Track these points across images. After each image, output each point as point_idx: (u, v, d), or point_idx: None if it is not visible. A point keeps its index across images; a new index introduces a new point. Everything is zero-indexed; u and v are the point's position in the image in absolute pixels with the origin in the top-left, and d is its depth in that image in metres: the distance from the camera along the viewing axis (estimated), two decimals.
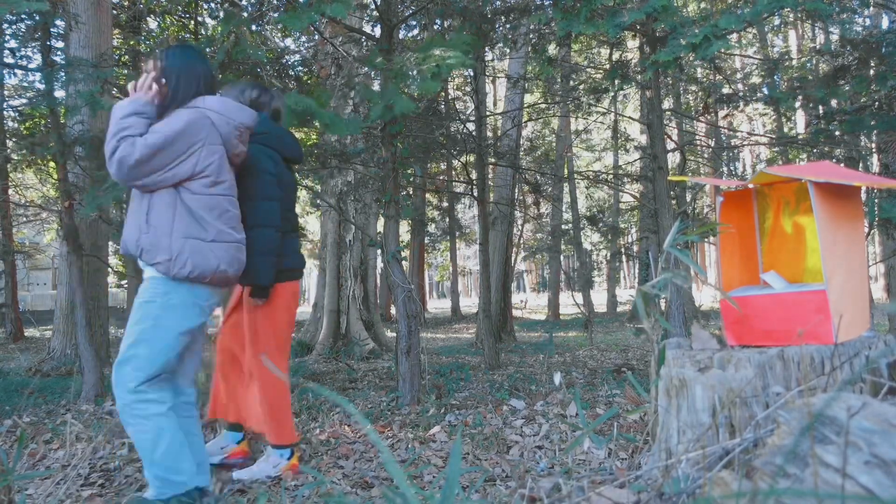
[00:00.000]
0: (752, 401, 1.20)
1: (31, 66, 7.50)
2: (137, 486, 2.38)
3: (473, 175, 6.91)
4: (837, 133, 5.46)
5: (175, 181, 2.00)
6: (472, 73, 7.37)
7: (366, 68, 5.57)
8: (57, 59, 4.99)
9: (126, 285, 8.11)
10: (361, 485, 2.34)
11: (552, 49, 7.63)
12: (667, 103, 9.63)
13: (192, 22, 9.58)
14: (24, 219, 13.35)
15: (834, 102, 5.55)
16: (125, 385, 1.94)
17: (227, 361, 2.74)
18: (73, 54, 5.66)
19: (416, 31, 7.25)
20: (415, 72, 3.30)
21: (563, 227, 12.42)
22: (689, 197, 8.44)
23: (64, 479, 2.33)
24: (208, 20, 9.62)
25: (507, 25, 5.93)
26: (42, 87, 5.00)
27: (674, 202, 6.91)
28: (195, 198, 2.02)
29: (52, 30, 4.67)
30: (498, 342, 7.64)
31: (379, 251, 5.46)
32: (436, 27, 6.61)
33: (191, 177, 2.01)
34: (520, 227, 11.70)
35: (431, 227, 12.34)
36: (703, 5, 9.54)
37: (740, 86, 8.74)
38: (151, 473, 1.93)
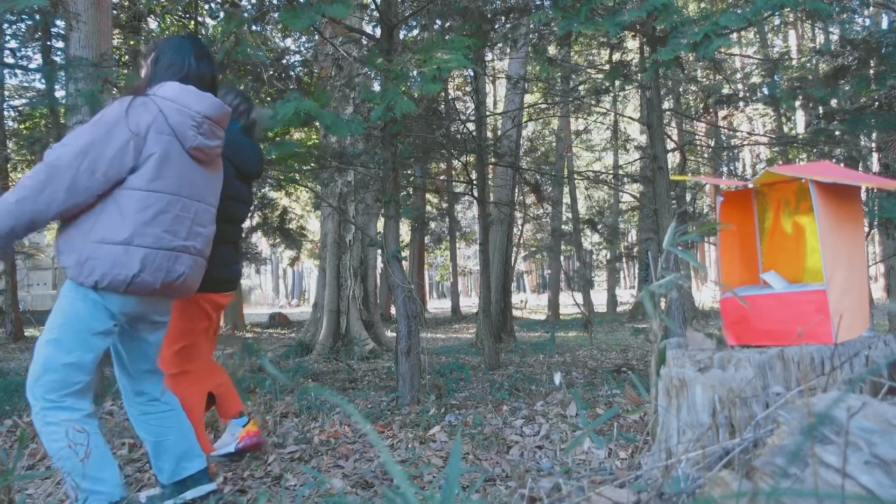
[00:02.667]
0: (752, 401, 1.20)
1: (32, 65, 7.51)
2: (138, 486, 2.38)
3: (473, 175, 6.91)
4: (837, 133, 5.46)
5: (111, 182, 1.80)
6: (472, 74, 7.37)
7: (366, 69, 5.58)
8: (57, 58, 4.99)
9: None
10: (361, 485, 2.34)
11: (552, 49, 7.64)
12: (667, 103, 9.63)
13: (192, 22, 9.57)
14: None
15: (834, 102, 5.55)
16: (36, 392, 1.80)
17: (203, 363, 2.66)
18: (73, 54, 5.66)
19: (416, 32, 7.25)
20: (415, 73, 3.30)
21: (562, 227, 12.43)
22: (689, 197, 8.44)
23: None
24: (208, 20, 9.62)
25: (507, 25, 5.93)
26: (42, 86, 5.00)
27: (674, 202, 6.92)
28: (129, 193, 1.82)
29: (52, 30, 4.68)
30: (498, 342, 7.64)
31: (379, 251, 5.46)
32: (436, 27, 6.62)
33: (130, 170, 1.83)
34: (520, 228, 11.70)
35: (431, 226, 12.34)
36: (702, 5, 9.54)
37: (740, 86, 8.74)
38: (73, 482, 1.79)
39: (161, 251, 1.87)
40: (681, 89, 9.95)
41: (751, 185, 1.59)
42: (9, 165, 8.92)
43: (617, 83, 5.55)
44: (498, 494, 2.00)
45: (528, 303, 25.98)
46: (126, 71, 8.93)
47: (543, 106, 10.18)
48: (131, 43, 9.82)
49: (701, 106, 9.11)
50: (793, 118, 12.22)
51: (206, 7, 9.25)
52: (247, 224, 7.24)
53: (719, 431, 1.20)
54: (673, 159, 7.89)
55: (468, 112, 8.24)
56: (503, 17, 5.77)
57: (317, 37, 7.63)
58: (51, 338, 1.82)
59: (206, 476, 2.12)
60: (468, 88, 10.10)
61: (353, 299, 8.54)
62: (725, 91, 6.98)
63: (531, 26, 6.27)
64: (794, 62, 9.58)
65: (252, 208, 6.39)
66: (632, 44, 8.85)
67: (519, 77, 8.75)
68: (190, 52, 2.03)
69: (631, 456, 2.31)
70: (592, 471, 1.75)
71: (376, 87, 6.27)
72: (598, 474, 1.29)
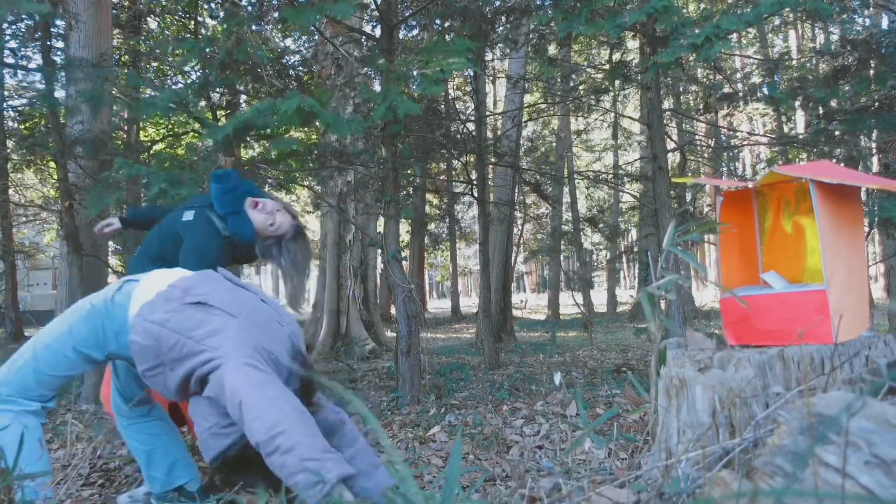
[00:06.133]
0: (752, 401, 1.20)
1: (31, 66, 7.51)
2: (137, 485, 2.38)
3: (473, 175, 6.91)
4: (837, 133, 5.46)
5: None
6: (472, 74, 7.38)
7: (366, 69, 5.58)
8: (57, 58, 4.99)
9: None
10: None
11: (552, 49, 7.64)
12: (667, 103, 9.63)
13: (192, 22, 9.58)
14: (24, 219, 13.34)
15: (834, 102, 5.55)
16: None
17: None
18: (73, 54, 5.66)
19: (416, 32, 7.26)
20: (416, 73, 3.30)
21: (563, 227, 12.42)
22: (689, 197, 8.44)
23: (64, 479, 2.32)
24: (208, 20, 9.62)
25: (508, 25, 5.93)
26: (42, 86, 5.00)
27: (674, 202, 6.92)
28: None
29: (52, 29, 4.67)
30: (498, 342, 7.64)
31: (379, 251, 5.46)
32: (436, 27, 6.62)
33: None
34: (520, 227, 11.70)
35: (431, 227, 12.34)
36: (703, 6, 9.54)
37: (740, 86, 8.74)
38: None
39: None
40: (681, 88, 9.95)
41: (750, 186, 1.59)
42: (9, 165, 8.91)
43: (617, 83, 5.55)
44: (498, 494, 1.99)
45: (528, 303, 25.95)
46: (126, 71, 8.92)
47: (543, 106, 10.19)
48: (131, 43, 9.82)
49: (701, 105, 9.11)
50: (793, 118, 12.21)
51: (206, 7, 9.25)
52: None
53: (719, 431, 1.20)
54: (673, 159, 7.89)
55: (468, 112, 8.24)
56: (503, 18, 5.77)
57: (317, 36, 7.63)
58: (41, 346, 1.75)
59: (200, 492, 2.10)
60: (468, 88, 10.10)
61: (353, 299, 8.54)
62: (726, 90, 6.98)
63: (531, 27, 6.27)
64: (794, 62, 9.58)
65: None
66: (632, 44, 8.85)
67: (519, 77, 8.75)
68: None
69: (631, 456, 2.31)
70: (592, 471, 1.75)
71: (377, 87, 6.27)
72: (598, 474, 1.29)
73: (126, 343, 1.72)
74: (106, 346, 1.74)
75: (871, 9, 8.14)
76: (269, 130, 4.31)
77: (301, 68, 6.87)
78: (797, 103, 5.99)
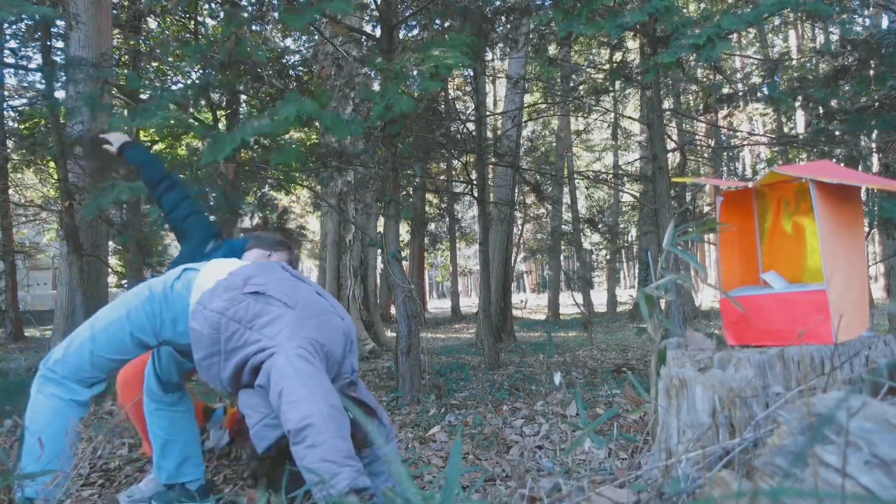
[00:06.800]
0: (752, 401, 1.20)
1: (32, 66, 7.51)
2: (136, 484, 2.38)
3: (473, 175, 6.91)
4: (837, 133, 5.46)
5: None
6: (472, 73, 7.37)
7: (366, 68, 5.58)
8: (57, 59, 5.00)
9: (126, 285, 8.11)
10: None
11: (552, 49, 7.64)
12: (667, 103, 9.63)
13: (192, 22, 9.57)
14: (24, 219, 13.33)
15: (834, 102, 5.55)
16: (49, 360, 1.74)
17: None
18: (73, 54, 5.66)
19: (416, 31, 7.25)
20: (414, 72, 3.30)
21: (562, 227, 12.43)
22: (689, 197, 8.44)
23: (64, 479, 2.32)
24: (208, 20, 9.62)
25: (508, 25, 5.93)
26: (42, 86, 5.00)
27: (674, 202, 6.92)
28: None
29: (52, 30, 4.68)
30: (498, 342, 7.63)
31: (379, 251, 5.46)
32: (436, 27, 6.62)
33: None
34: (520, 227, 11.69)
35: (431, 227, 12.34)
36: (703, 6, 9.54)
37: (740, 86, 8.74)
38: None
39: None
40: (681, 88, 9.95)
41: (750, 186, 1.59)
42: (9, 165, 8.92)
43: (617, 84, 5.56)
44: (498, 494, 2.00)
45: (528, 303, 25.94)
46: (126, 71, 8.93)
47: (543, 106, 10.18)
48: (131, 43, 9.83)
49: (701, 105, 9.11)
50: (793, 118, 12.21)
51: (206, 7, 9.24)
52: (247, 224, 7.27)
53: (719, 431, 1.20)
54: (673, 159, 7.90)
55: (468, 112, 8.24)
56: (503, 17, 5.77)
57: (317, 36, 7.63)
58: (99, 328, 1.75)
59: (202, 492, 2.11)
60: (468, 88, 10.11)
61: (353, 299, 8.54)
62: (726, 90, 6.98)
63: (531, 27, 6.27)
64: (794, 62, 9.58)
65: (251, 209, 6.42)
66: (632, 44, 8.85)
67: (519, 77, 8.75)
68: None
69: (631, 456, 2.31)
70: (592, 471, 1.75)
71: (376, 86, 6.27)
72: (598, 474, 1.29)
73: (182, 331, 1.74)
74: (161, 333, 1.76)
75: (871, 9, 8.14)
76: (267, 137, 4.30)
77: (301, 68, 6.87)
78: (797, 103, 5.99)
